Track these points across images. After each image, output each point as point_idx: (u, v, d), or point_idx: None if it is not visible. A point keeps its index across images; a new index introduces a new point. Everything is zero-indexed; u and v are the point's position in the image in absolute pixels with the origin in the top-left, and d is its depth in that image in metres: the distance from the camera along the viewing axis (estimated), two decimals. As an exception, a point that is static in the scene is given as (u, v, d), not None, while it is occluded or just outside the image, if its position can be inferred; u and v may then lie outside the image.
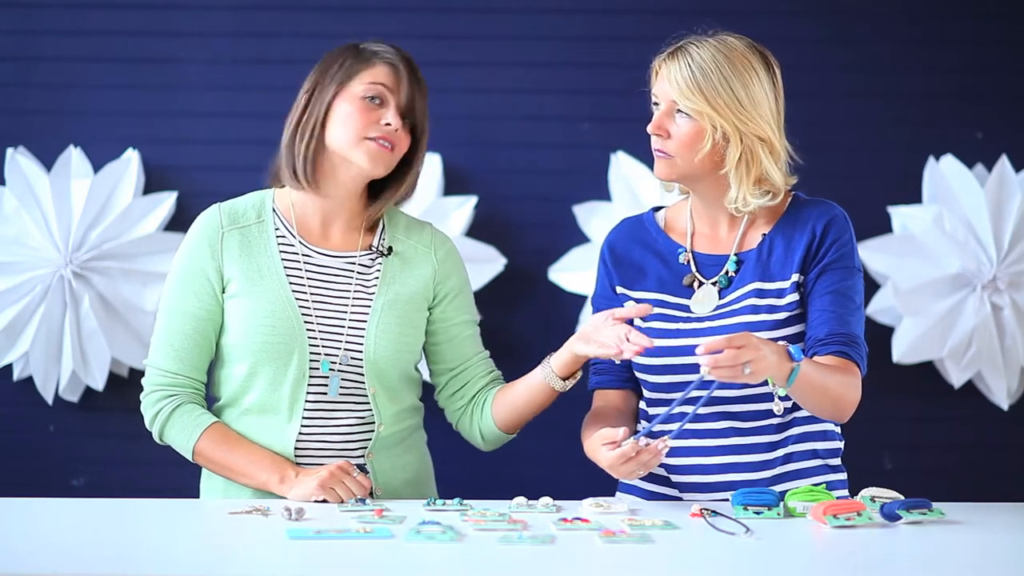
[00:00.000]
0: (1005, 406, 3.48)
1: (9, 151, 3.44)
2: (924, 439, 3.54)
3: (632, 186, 3.46)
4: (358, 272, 2.48)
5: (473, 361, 2.54)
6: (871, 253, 3.42)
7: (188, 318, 2.43)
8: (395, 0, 3.52)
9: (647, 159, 3.47)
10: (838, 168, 3.48)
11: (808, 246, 2.39)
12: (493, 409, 2.50)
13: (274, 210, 2.48)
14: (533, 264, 3.52)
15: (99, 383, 3.42)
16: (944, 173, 3.46)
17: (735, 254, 2.43)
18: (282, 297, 2.42)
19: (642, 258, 2.48)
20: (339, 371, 2.43)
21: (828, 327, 2.34)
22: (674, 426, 2.29)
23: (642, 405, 2.49)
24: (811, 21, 3.53)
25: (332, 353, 2.43)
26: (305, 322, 2.42)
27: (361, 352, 2.43)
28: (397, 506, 2.27)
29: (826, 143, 3.46)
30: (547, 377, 2.45)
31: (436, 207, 3.44)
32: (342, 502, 2.29)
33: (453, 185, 3.50)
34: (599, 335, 2.33)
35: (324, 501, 2.30)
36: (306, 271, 2.45)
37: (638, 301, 2.45)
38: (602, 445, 2.26)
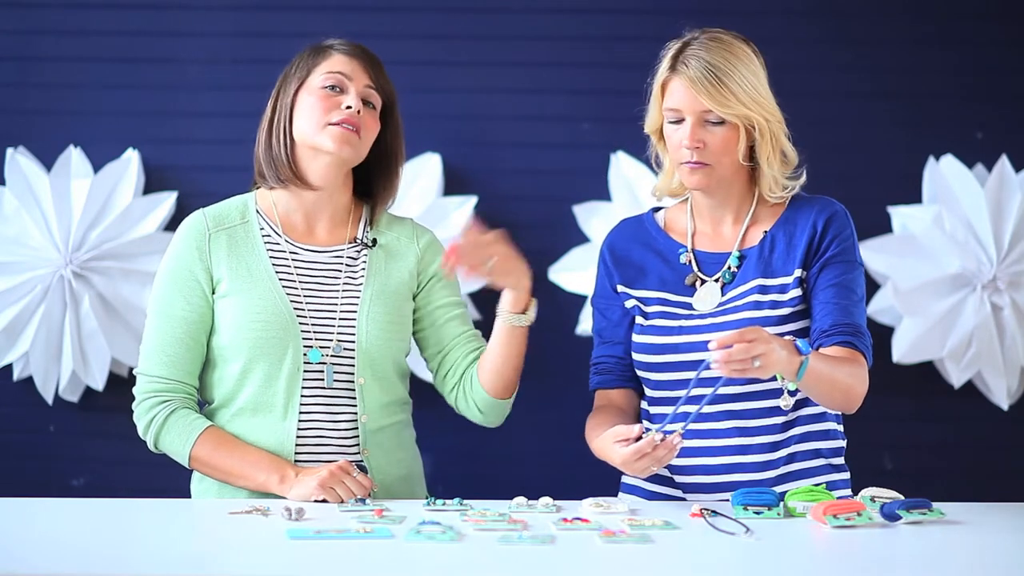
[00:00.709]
0: (1005, 406, 3.48)
1: (9, 151, 3.44)
2: (924, 439, 3.53)
3: (632, 186, 3.46)
4: (346, 265, 2.49)
5: (459, 340, 2.54)
6: (871, 253, 3.42)
7: (179, 322, 2.43)
8: (395, 0, 3.52)
9: (647, 159, 3.48)
10: (838, 168, 3.47)
11: (810, 241, 2.41)
12: (480, 378, 2.51)
13: (257, 211, 2.50)
14: (533, 264, 3.48)
15: (99, 383, 3.42)
16: (944, 173, 3.46)
17: (738, 251, 2.44)
18: (273, 293, 2.43)
19: (642, 258, 2.49)
20: (332, 363, 2.43)
21: (832, 318, 2.36)
22: (684, 417, 2.28)
23: (643, 405, 2.49)
24: (811, 21, 3.53)
25: (325, 346, 2.43)
26: (297, 316, 2.42)
27: (353, 342, 2.44)
28: (397, 506, 2.27)
29: (826, 143, 3.46)
30: (506, 321, 2.46)
31: (436, 207, 3.44)
32: (342, 502, 2.29)
33: (453, 185, 3.50)
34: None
35: (324, 501, 2.30)
36: (295, 267, 2.46)
37: (639, 300, 2.45)
38: (615, 442, 2.25)
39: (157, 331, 2.45)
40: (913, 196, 3.50)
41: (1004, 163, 3.46)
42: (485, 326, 3.43)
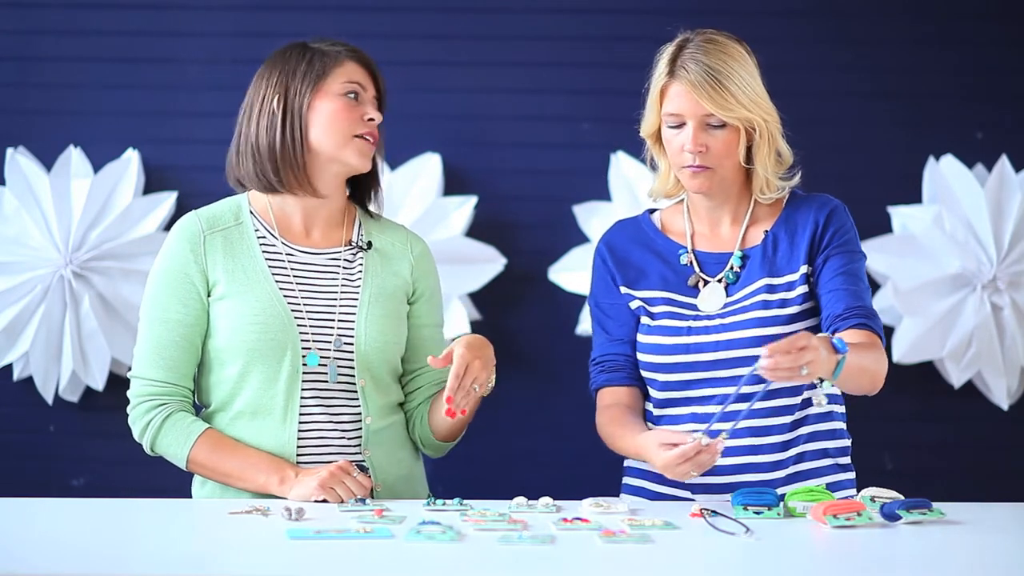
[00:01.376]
0: (1005, 406, 3.48)
1: (9, 151, 3.44)
2: (924, 439, 3.54)
3: (632, 186, 3.46)
4: (343, 267, 2.49)
5: (428, 368, 2.51)
6: (871, 253, 3.42)
7: (174, 326, 2.42)
8: (395, 0, 3.52)
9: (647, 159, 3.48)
10: (838, 168, 3.48)
11: (812, 237, 2.42)
12: (430, 420, 2.50)
13: (252, 212, 2.49)
14: (533, 264, 3.52)
15: (99, 383, 3.42)
16: (944, 173, 3.46)
17: (740, 251, 2.44)
18: (270, 296, 2.42)
19: (642, 259, 2.49)
20: (334, 360, 2.43)
21: (844, 303, 2.36)
22: (727, 425, 2.26)
23: (648, 407, 2.48)
24: (811, 21, 3.53)
25: (323, 348, 2.43)
26: (295, 319, 2.42)
27: (352, 345, 2.43)
28: (397, 506, 2.27)
29: (826, 143, 3.46)
30: None
31: (436, 207, 3.44)
32: (342, 502, 2.29)
33: (453, 185, 3.50)
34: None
35: (324, 501, 2.30)
36: (291, 269, 2.45)
37: (644, 300, 2.45)
38: (660, 445, 2.24)
39: (152, 334, 2.43)
40: (913, 196, 3.50)
41: (1004, 163, 3.46)
42: (486, 326, 3.45)
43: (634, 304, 2.46)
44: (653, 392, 2.46)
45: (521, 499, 2.28)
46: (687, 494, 2.42)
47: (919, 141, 3.50)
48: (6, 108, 3.50)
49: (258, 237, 2.47)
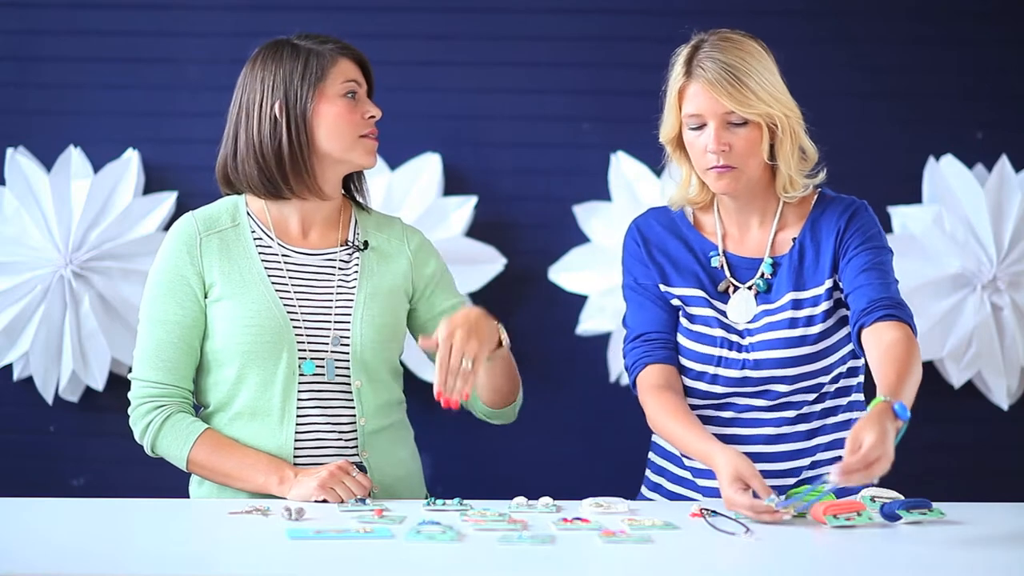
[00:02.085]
0: (1005, 406, 3.48)
1: (9, 151, 3.44)
2: (924, 439, 3.53)
3: (632, 186, 3.46)
4: (339, 268, 2.49)
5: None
6: (871, 253, 3.42)
7: (173, 327, 2.42)
8: (395, 0, 3.52)
9: (647, 159, 3.48)
10: (838, 168, 3.46)
11: (835, 247, 2.39)
12: (478, 394, 2.50)
13: (248, 214, 2.48)
14: (533, 264, 3.52)
15: (99, 383, 3.42)
16: (944, 173, 3.46)
17: (770, 257, 2.42)
18: (267, 298, 2.42)
19: (676, 250, 2.45)
20: (332, 358, 2.42)
21: (869, 296, 2.31)
22: (796, 504, 2.20)
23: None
24: (811, 21, 3.53)
25: (320, 350, 2.42)
26: (291, 320, 2.42)
27: (348, 345, 2.43)
28: (397, 506, 2.27)
29: (826, 143, 3.45)
30: None
31: (436, 207, 3.44)
32: (342, 502, 2.29)
33: (453, 185, 3.50)
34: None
35: (324, 501, 2.30)
36: (287, 271, 2.45)
37: (681, 299, 2.42)
38: (735, 479, 2.17)
39: (150, 336, 2.43)
40: (913, 196, 3.50)
41: (1004, 163, 3.46)
42: (485, 326, 3.44)
43: (674, 302, 2.43)
44: (688, 398, 2.43)
45: (521, 499, 2.28)
46: (699, 496, 2.41)
47: (919, 141, 3.50)
48: (6, 108, 3.50)
49: (255, 239, 2.47)
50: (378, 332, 2.45)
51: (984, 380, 3.47)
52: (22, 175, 3.42)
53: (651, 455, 2.53)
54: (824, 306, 2.38)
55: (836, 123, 3.52)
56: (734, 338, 2.39)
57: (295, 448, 2.41)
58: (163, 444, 2.41)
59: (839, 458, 2.37)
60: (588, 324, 3.48)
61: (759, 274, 2.41)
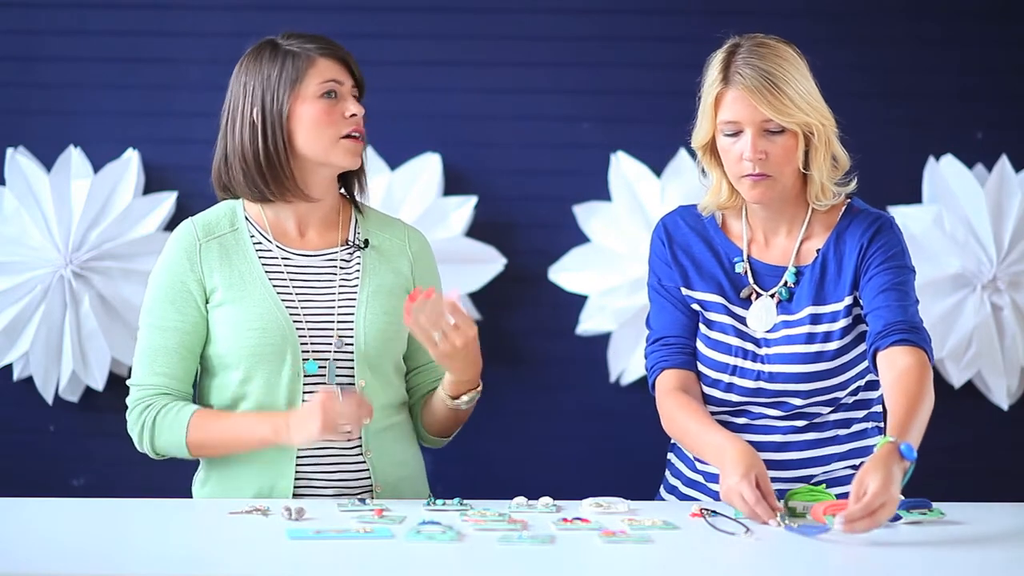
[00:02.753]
0: (1005, 406, 3.48)
1: (9, 151, 3.44)
2: (924, 439, 3.53)
3: (632, 186, 3.46)
4: (340, 268, 2.48)
5: (431, 365, 2.52)
6: (871, 253, 3.42)
7: (172, 334, 2.41)
8: (395, 0, 3.52)
9: (647, 159, 3.48)
10: (838, 168, 3.47)
11: (857, 263, 2.36)
12: (421, 416, 2.52)
13: (246, 218, 2.48)
14: (533, 264, 3.52)
15: (99, 383, 3.42)
16: (944, 173, 3.46)
17: (794, 267, 2.39)
18: (268, 301, 2.41)
19: (701, 253, 2.43)
20: (334, 360, 2.42)
21: (887, 318, 2.28)
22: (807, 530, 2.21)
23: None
24: (811, 21, 3.53)
25: (324, 350, 2.42)
26: (294, 322, 2.41)
27: (352, 345, 2.43)
28: (397, 506, 2.27)
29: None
30: (441, 398, 2.45)
31: (436, 207, 3.44)
32: (350, 433, 2.30)
33: (453, 185, 3.50)
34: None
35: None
36: (288, 273, 2.45)
37: (701, 303, 2.41)
38: (752, 485, 2.15)
39: (149, 343, 2.43)
40: (913, 196, 3.50)
41: (1004, 163, 3.46)
42: (486, 326, 3.45)
43: (694, 306, 2.42)
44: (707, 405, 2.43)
45: (521, 499, 2.28)
46: (709, 500, 2.40)
47: (919, 141, 3.50)
48: (6, 108, 3.50)
49: (254, 243, 2.46)
50: (382, 330, 2.45)
51: (984, 380, 3.47)
52: (22, 175, 3.42)
53: (670, 455, 2.53)
54: (843, 323, 2.36)
55: (836, 123, 3.52)
56: (749, 347, 2.38)
57: (299, 449, 2.40)
58: (161, 439, 2.40)
59: (853, 466, 2.38)
60: (588, 324, 3.48)
61: (782, 282, 2.39)
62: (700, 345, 2.41)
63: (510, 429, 3.52)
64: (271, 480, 2.40)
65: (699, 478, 2.44)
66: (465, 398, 2.43)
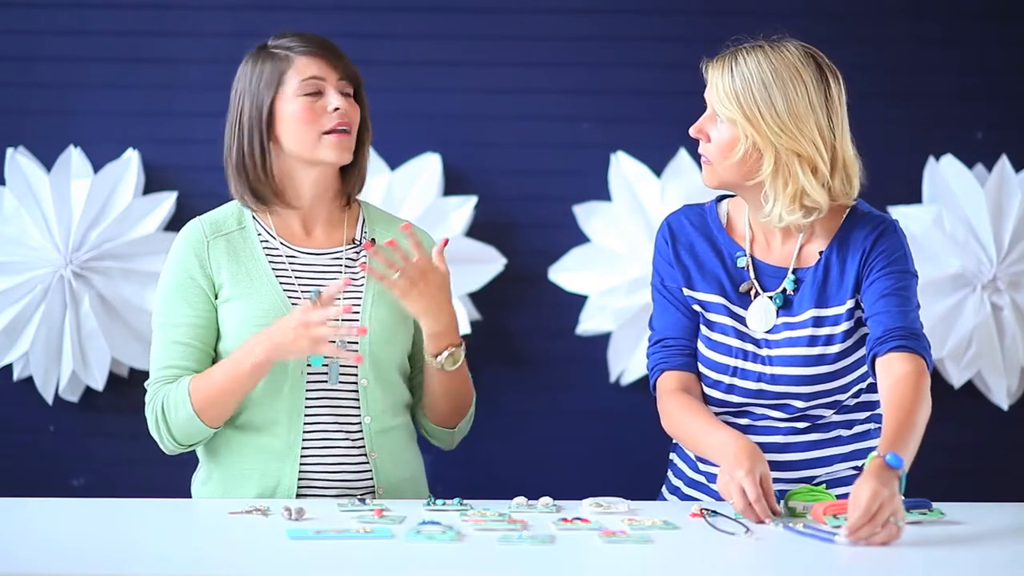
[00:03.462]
0: (1005, 406, 3.48)
1: (9, 151, 3.44)
2: (924, 439, 3.52)
3: (632, 186, 3.46)
4: (346, 266, 2.48)
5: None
6: (871, 253, 3.42)
7: (186, 329, 2.42)
8: (395, 0, 3.52)
9: (647, 159, 3.48)
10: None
11: (859, 268, 2.35)
12: (421, 406, 2.52)
13: (254, 217, 2.48)
14: (533, 264, 3.52)
15: (99, 383, 3.42)
16: (944, 173, 3.46)
17: (793, 271, 2.39)
18: (275, 297, 2.42)
19: (704, 252, 2.43)
20: (338, 359, 2.42)
21: (886, 324, 2.28)
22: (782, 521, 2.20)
23: None
24: (811, 21, 3.52)
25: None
26: None
27: (356, 343, 2.43)
28: (397, 506, 2.27)
29: (826, 143, 3.46)
30: (427, 360, 2.44)
31: (436, 207, 3.44)
32: (333, 342, 2.30)
33: (453, 185, 3.50)
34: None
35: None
36: (294, 272, 2.45)
37: (701, 304, 2.41)
38: (756, 482, 2.16)
39: (163, 342, 2.42)
40: (913, 196, 3.50)
41: (1004, 163, 3.46)
42: (486, 326, 3.45)
43: (695, 307, 2.42)
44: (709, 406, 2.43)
45: (521, 499, 2.28)
46: (711, 500, 2.39)
47: (919, 141, 3.50)
48: (6, 108, 3.50)
49: (261, 241, 2.47)
50: (387, 330, 2.45)
51: (984, 380, 3.47)
52: (22, 175, 3.42)
53: (672, 456, 2.53)
54: (845, 326, 2.35)
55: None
56: (750, 348, 2.37)
57: (302, 447, 2.40)
58: (174, 423, 2.38)
59: (855, 467, 2.37)
60: (588, 324, 3.48)
61: (780, 288, 2.39)
62: (700, 346, 2.41)
63: (510, 429, 3.52)
64: (274, 480, 2.40)
65: (701, 479, 2.44)
66: (445, 354, 2.41)
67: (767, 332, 2.38)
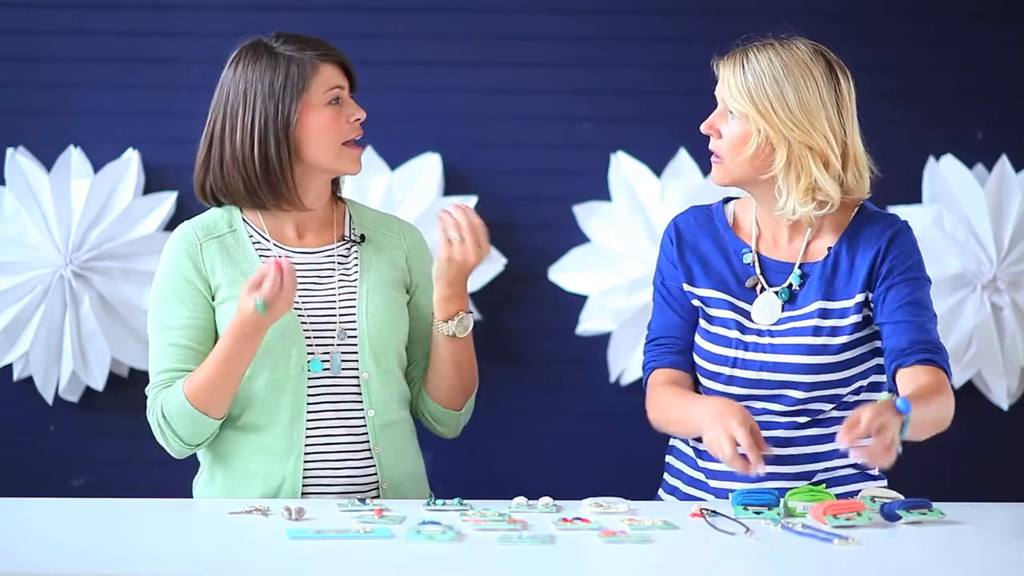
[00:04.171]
0: (1005, 406, 3.48)
1: (9, 151, 3.44)
2: (924, 439, 3.53)
3: (632, 186, 3.46)
4: (338, 263, 2.49)
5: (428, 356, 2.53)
6: (871, 253, 3.42)
7: (183, 331, 2.41)
8: (396, 0, 3.52)
9: (647, 159, 3.48)
10: (838, 168, 3.47)
11: (872, 263, 2.36)
12: (426, 388, 2.52)
13: (244, 220, 2.48)
14: (533, 264, 3.52)
15: (99, 383, 3.42)
16: (944, 173, 3.46)
17: (799, 266, 2.40)
18: None
19: (709, 251, 2.43)
20: (338, 350, 2.42)
21: (910, 337, 2.31)
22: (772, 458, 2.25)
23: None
24: (812, 21, 3.50)
25: (328, 344, 2.42)
26: (298, 317, 2.42)
27: (355, 336, 2.43)
28: (397, 506, 2.27)
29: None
30: (436, 328, 2.45)
31: (436, 207, 3.44)
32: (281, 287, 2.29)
33: (453, 185, 3.50)
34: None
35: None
36: None
37: (702, 300, 2.42)
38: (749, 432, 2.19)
39: (160, 346, 2.42)
40: (913, 196, 3.50)
41: (1004, 163, 3.46)
42: (486, 326, 3.45)
43: (695, 303, 2.43)
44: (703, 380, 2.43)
45: (521, 499, 2.28)
46: (711, 498, 2.40)
47: (919, 141, 3.49)
48: (6, 108, 3.50)
49: (253, 242, 2.47)
50: (384, 322, 2.46)
51: (984, 380, 3.47)
52: (22, 175, 3.42)
53: (668, 458, 2.53)
54: (853, 319, 2.35)
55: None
56: (750, 339, 2.38)
57: (306, 445, 2.41)
58: (179, 426, 2.37)
59: (853, 464, 2.37)
60: (588, 324, 3.48)
61: (787, 282, 2.39)
62: (699, 339, 2.42)
63: (510, 429, 3.52)
64: (278, 479, 2.41)
65: (701, 476, 2.44)
66: (457, 319, 2.43)
67: (772, 324, 2.38)
